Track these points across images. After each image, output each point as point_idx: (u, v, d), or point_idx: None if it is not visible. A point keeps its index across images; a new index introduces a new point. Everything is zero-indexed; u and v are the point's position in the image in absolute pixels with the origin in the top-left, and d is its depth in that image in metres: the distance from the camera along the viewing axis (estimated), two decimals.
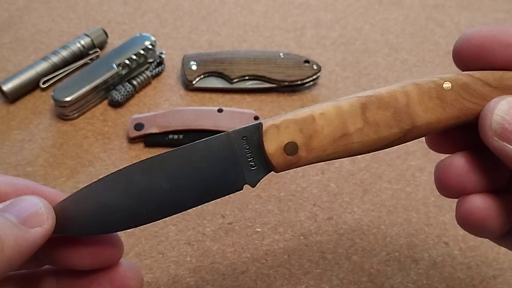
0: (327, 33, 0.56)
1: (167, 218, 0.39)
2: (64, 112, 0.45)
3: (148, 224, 0.39)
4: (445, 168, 0.23)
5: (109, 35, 0.53)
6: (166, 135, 0.44)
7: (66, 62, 0.50)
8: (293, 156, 0.21)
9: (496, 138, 0.20)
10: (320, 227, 0.38)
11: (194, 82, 0.48)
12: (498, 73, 0.22)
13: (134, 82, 0.48)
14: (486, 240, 0.26)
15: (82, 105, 0.46)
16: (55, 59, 0.49)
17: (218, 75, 0.49)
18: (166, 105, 0.48)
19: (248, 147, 0.21)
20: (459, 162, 0.22)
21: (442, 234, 0.38)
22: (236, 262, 0.36)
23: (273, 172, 0.22)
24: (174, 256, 0.37)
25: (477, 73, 0.22)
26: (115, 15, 0.57)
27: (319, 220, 0.39)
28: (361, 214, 0.39)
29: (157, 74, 0.50)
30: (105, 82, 0.46)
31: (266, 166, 0.21)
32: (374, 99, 0.21)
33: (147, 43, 0.49)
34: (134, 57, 0.48)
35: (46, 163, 0.43)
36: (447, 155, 0.23)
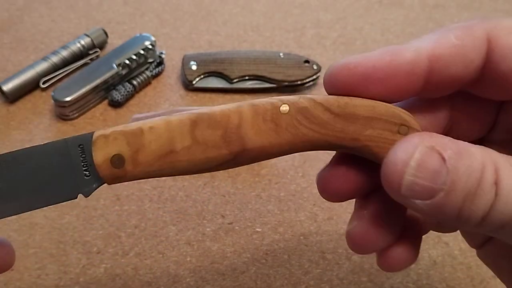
0: (327, 33, 0.56)
1: (167, 218, 0.39)
2: (64, 112, 0.45)
3: (148, 224, 0.39)
4: (324, 178, 0.23)
5: (109, 35, 0.53)
6: None
7: (66, 62, 0.50)
8: (120, 169, 0.20)
9: (405, 195, 0.18)
10: (320, 227, 0.38)
11: (194, 82, 0.48)
12: (343, 99, 0.20)
13: (134, 82, 0.48)
14: None
15: (82, 105, 0.46)
16: (55, 59, 0.49)
17: (218, 75, 0.49)
18: (166, 105, 0.48)
19: (83, 156, 0.20)
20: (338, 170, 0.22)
21: (442, 234, 0.38)
22: (236, 262, 0.36)
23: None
24: (174, 256, 0.37)
25: (320, 97, 0.20)
26: (115, 15, 0.57)
27: (319, 220, 0.39)
28: None
29: (157, 74, 0.50)
30: (105, 82, 0.46)
31: (97, 177, 0.20)
32: (206, 117, 0.20)
33: (147, 43, 0.49)
34: (134, 57, 0.48)
35: None
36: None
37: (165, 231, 0.38)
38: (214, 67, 0.49)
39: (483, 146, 0.18)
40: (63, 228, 0.38)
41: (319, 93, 0.49)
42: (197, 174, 0.42)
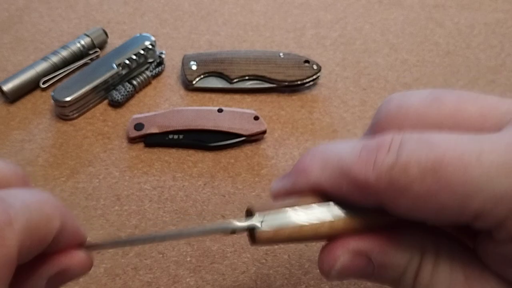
0: (327, 33, 0.56)
1: (167, 218, 0.39)
2: (64, 112, 0.45)
3: (148, 224, 0.39)
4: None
5: (109, 35, 0.53)
6: (166, 135, 0.44)
7: (66, 62, 0.50)
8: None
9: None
10: None
11: (194, 82, 0.48)
12: None
13: (134, 82, 0.48)
14: None
15: (82, 105, 0.46)
16: (55, 59, 0.49)
17: (218, 75, 0.49)
18: (166, 105, 0.48)
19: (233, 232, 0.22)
20: None
21: None
22: (236, 262, 0.36)
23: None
24: (174, 256, 0.37)
25: None
26: (115, 15, 0.57)
27: None
28: None
29: (157, 74, 0.50)
30: (105, 82, 0.46)
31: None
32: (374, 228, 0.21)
33: (147, 43, 0.49)
34: (134, 57, 0.48)
35: (46, 163, 0.43)
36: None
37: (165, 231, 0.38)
38: (214, 67, 0.49)
39: (420, 231, 0.21)
40: None
41: (319, 93, 0.49)
42: (196, 174, 0.42)
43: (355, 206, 0.21)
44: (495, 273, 0.19)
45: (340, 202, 0.21)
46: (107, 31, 0.53)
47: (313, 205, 0.21)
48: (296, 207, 0.21)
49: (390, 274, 0.20)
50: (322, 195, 0.21)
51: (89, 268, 0.21)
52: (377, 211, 0.20)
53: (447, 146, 0.18)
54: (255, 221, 0.21)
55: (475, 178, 0.17)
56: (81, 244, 0.21)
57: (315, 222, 0.21)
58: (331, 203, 0.21)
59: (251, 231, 0.21)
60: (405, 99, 0.21)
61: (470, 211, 0.17)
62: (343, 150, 0.20)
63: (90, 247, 0.21)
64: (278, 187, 0.23)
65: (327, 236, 0.21)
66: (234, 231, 0.21)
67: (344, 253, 0.21)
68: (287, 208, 0.21)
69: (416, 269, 0.20)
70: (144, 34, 0.50)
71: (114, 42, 0.53)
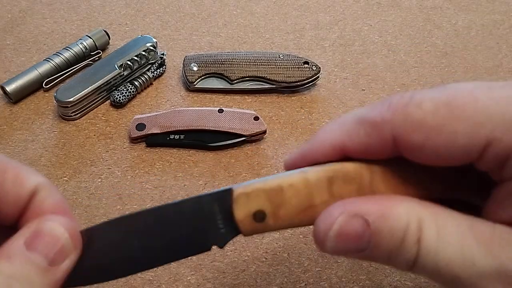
0: (326, 35, 0.56)
1: None
2: (66, 113, 0.46)
3: None
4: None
5: (111, 36, 0.53)
6: (167, 135, 0.44)
7: (68, 63, 0.50)
8: (261, 224, 0.21)
9: (332, 254, 0.21)
10: None
11: (195, 83, 0.49)
12: None
13: (136, 83, 0.48)
14: None
15: (84, 106, 0.46)
16: (57, 60, 0.49)
17: (219, 76, 0.49)
18: (167, 106, 0.48)
19: (218, 211, 0.22)
20: None
21: None
22: (237, 261, 0.37)
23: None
24: None
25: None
26: (117, 17, 0.58)
27: None
28: None
29: (159, 75, 0.51)
30: (107, 83, 0.47)
31: (234, 229, 0.22)
32: (341, 174, 0.21)
33: (148, 44, 0.49)
34: (135, 58, 0.48)
35: (49, 163, 0.43)
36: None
37: None
38: (214, 68, 0.49)
39: (416, 202, 0.20)
40: None
41: (318, 94, 0.50)
42: (197, 174, 0.43)
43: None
44: (510, 224, 0.19)
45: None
46: (109, 32, 0.53)
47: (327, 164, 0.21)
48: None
49: (388, 243, 0.20)
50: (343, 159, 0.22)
51: (72, 235, 0.20)
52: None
53: (457, 86, 0.19)
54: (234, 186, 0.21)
55: (486, 107, 0.18)
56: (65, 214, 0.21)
57: (287, 176, 0.21)
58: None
59: (231, 197, 0.21)
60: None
61: (481, 138, 0.18)
62: (358, 111, 0.21)
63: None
64: (293, 155, 0.23)
65: (301, 184, 0.21)
66: (220, 203, 0.21)
67: (342, 214, 0.20)
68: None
69: (417, 233, 0.19)
70: (146, 35, 0.51)
71: (116, 43, 0.54)
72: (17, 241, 0.19)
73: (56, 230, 0.20)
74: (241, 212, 0.21)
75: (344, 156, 0.22)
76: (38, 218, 0.20)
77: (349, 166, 0.22)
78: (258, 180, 0.22)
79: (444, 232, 0.19)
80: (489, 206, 0.20)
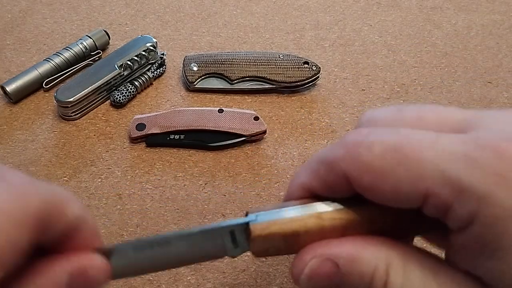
0: (326, 35, 0.56)
1: (169, 217, 0.40)
2: (66, 113, 0.46)
3: (149, 223, 0.39)
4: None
5: (111, 36, 0.54)
6: (167, 135, 0.44)
7: (68, 63, 0.50)
8: (273, 255, 0.23)
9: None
10: None
11: (195, 83, 0.49)
12: None
13: (136, 83, 0.48)
14: None
15: (84, 106, 0.46)
16: (57, 60, 0.50)
17: (219, 76, 0.49)
18: (167, 106, 0.48)
19: (232, 247, 0.23)
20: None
21: None
22: (237, 261, 0.37)
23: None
24: None
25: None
26: (117, 17, 0.58)
27: None
28: None
29: (159, 75, 0.51)
30: (107, 83, 0.47)
31: (247, 250, 0.23)
32: (356, 223, 0.22)
33: (148, 44, 0.49)
34: (135, 58, 0.48)
35: (49, 163, 0.43)
36: None
37: (166, 230, 0.38)
38: (214, 68, 0.49)
39: (387, 244, 0.21)
40: None
41: (318, 94, 0.50)
42: (197, 174, 0.43)
43: (339, 200, 0.22)
44: (467, 273, 0.20)
45: (325, 198, 0.22)
46: (109, 32, 0.53)
47: (301, 205, 0.23)
48: (286, 207, 0.22)
49: (358, 283, 0.21)
50: (312, 197, 0.23)
51: (106, 275, 0.21)
52: (357, 201, 0.21)
53: (409, 133, 0.20)
54: (250, 218, 0.22)
55: (428, 160, 0.19)
56: (99, 250, 0.22)
57: (302, 214, 0.22)
58: (317, 202, 0.22)
59: (247, 231, 0.22)
60: (374, 113, 0.23)
61: (421, 190, 0.19)
62: (322, 150, 0.23)
63: (106, 252, 0.22)
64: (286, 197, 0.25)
65: (316, 230, 0.22)
66: (233, 232, 0.23)
67: (312, 258, 0.21)
68: (278, 208, 0.23)
69: (384, 277, 0.20)
70: (146, 35, 0.51)
71: (116, 43, 0.54)
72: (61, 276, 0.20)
73: (96, 276, 0.21)
74: (257, 249, 0.23)
75: (312, 194, 0.23)
76: (77, 252, 0.21)
77: (364, 216, 0.22)
78: (274, 215, 0.22)
79: (410, 276, 0.20)
80: (448, 252, 0.21)
